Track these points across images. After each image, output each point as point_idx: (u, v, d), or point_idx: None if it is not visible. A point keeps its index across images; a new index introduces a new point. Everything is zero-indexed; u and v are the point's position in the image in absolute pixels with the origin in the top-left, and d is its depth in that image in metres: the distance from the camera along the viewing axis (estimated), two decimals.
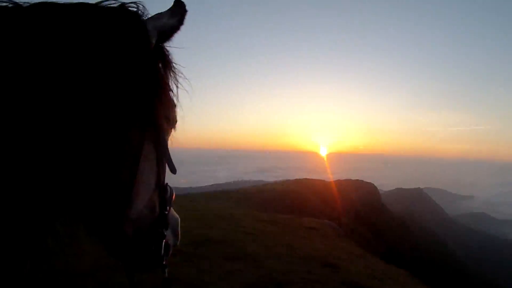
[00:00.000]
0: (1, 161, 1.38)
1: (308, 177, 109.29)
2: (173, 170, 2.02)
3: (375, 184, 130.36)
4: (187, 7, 1.91)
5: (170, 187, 2.19)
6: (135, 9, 1.85)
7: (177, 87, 2.07)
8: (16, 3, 1.58)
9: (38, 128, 1.43)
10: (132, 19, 1.80)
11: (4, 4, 1.56)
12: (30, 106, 1.42)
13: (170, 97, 2.03)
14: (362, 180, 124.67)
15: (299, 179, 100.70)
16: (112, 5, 1.80)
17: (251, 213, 33.25)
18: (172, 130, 2.13)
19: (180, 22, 1.92)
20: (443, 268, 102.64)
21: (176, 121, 2.12)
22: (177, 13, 1.91)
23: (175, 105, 2.08)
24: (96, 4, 1.77)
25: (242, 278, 11.07)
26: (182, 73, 2.06)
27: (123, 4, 1.83)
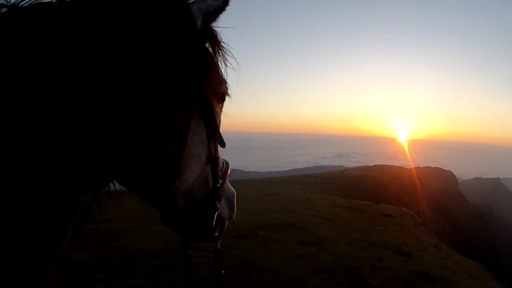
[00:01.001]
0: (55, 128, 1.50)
1: (387, 164, 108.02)
2: (222, 144, 2.09)
3: (454, 173, 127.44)
4: None
5: (226, 161, 2.28)
6: None
7: (225, 65, 2.16)
8: None
9: (91, 98, 1.56)
10: (176, 2, 1.89)
11: None
12: (87, 78, 1.55)
13: (218, 74, 2.10)
14: (441, 168, 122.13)
15: (378, 165, 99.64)
16: None
17: (329, 198, 33.20)
18: (223, 104, 2.21)
19: (226, 2, 2.01)
20: None
21: (225, 97, 2.20)
22: None
23: (224, 82, 2.16)
24: None
25: (313, 262, 11.08)
26: (230, 52, 2.15)
27: None
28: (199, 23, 1.94)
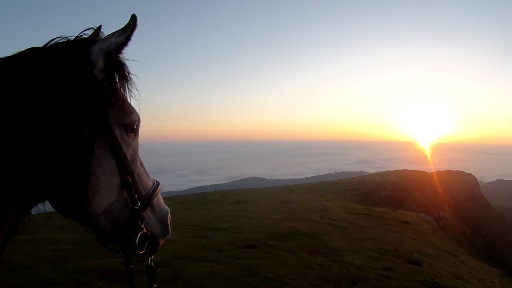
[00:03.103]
0: None
1: (408, 168, 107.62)
2: (128, 171, 2.28)
3: (475, 176, 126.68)
4: (137, 23, 2.22)
5: (156, 182, 2.54)
6: (85, 37, 2.27)
7: (131, 95, 2.38)
8: None
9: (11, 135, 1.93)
10: (77, 50, 2.16)
11: None
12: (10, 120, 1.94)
13: (122, 106, 2.30)
14: (463, 171, 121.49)
15: (399, 170, 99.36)
16: (61, 41, 2.22)
17: (346, 205, 33.09)
18: (138, 133, 2.41)
19: (128, 38, 2.21)
20: None
21: (134, 126, 2.36)
22: (127, 29, 2.20)
23: (131, 112, 2.35)
24: (46, 44, 2.21)
25: (318, 272, 11.01)
26: (135, 83, 2.39)
27: (73, 39, 2.25)
28: (101, 62, 2.18)
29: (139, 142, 2.42)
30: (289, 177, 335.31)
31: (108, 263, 10.52)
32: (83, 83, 2.11)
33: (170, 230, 2.58)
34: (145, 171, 2.45)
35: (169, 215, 2.60)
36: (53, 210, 2.20)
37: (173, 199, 41.54)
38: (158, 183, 2.53)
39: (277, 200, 33.47)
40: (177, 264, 10.72)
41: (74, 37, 2.24)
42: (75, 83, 2.09)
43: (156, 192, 2.49)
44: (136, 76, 2.34)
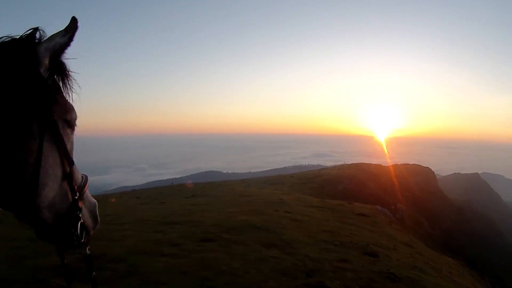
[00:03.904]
0: None
1: (365, 161, 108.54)
2: (71, 163, 2.42)
3: (433, 169, 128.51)
4: (78, 24, 2.33)
5: (85, 176, 2.62)
6: (31, 36, 2.30)
7: (71, 93, 2.49)
8: None
9: None
10: (24, 48, 2.22)
11: None
12: None
13: (64, 104, 2.42)
14: (420, 165, 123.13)
15: (356, 163, 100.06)
16: (7, 40, 2.26)
17: (302, 198, 33.26)
18: (75, 128, 2.53)
19: (71, 39, 2.32)
20: (498, 257, 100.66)
21: (73, 123, 2.49)
22: (70, 31, 2.32)
23: (71, 110, 2.47)
24: None
25: (273, 265, 11.05)
26: (76, 81, 2.50)
27: (19, 37, 2.28)
28: (46, 60, 2.27)
29: (83, 136, 2.51)
30: (246, 170, 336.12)
31: (67, 260, 10.44)
32: (32, 80, 2.18)
33: (99, 222, 2.72)
34: (75, 165, 2.52)
35: (97, 208, 2.71)
36: None
37: (129, 193, 41.29)
38: (87, 177, 2.62)
39: (233, 194, 33.51)
40: (133, 259, 10.66)
41: (19, 36, 2.28)
42: (24, 80, 2.15)
43: (87, 185, 2.59)
44: (76, 73, 2.44)
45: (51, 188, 2.28)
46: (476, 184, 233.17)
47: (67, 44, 2.32)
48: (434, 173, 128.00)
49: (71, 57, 2.40)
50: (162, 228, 15.11)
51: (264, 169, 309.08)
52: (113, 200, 26.16)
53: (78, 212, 2.43)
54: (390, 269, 12.55)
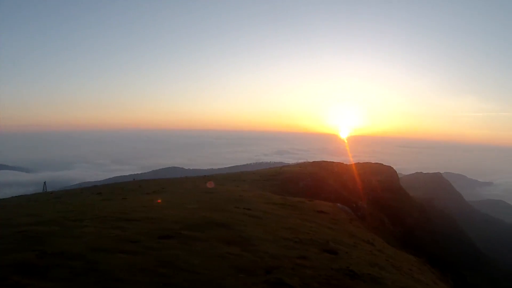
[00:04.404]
0: None
1: (327, 159, 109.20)
2: None
3: (395, 168, 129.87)
4: None
5: None
6: None
7: None
8: None
9: None
10: None
11: None
12: None
13: None
14: (382, 163, 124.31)
15: (318, 161, 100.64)
16: None
17: (263, 195, 33.35)
18: None
19: None
20: (460, 255, 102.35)
21: None
22: None
23: None
24: None
25: (233, 262, 11.08)
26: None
27: None
28: None
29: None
30: (208, 166, 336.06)
31: (24, 257, 10.32)
32: None
33: None
34: None
35: None
36: None
37: (91, 189, 41.02)
38: None
39: (194, 190, 33.55)
40: (91, 256, 10.56)
41: None
42: None
43: None
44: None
45: None
46: (438, 183, 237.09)
47: None
48: (396, 171, 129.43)
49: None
50: (122, 225, 15.01)
51: (226, 166, 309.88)
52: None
53: None
54: (349, 266, 12.61)
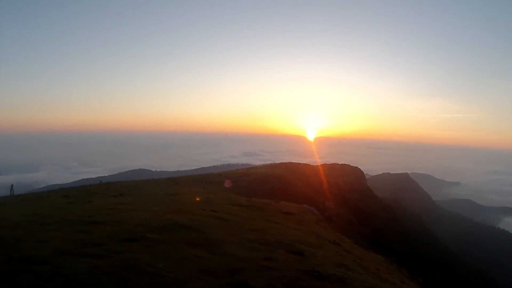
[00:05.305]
0: None
1: (294, 161, 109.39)
2: None
3: (362, 169, 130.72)
4: None
5: None
6: None
7: None
8: None
9: None
10: None
11: None
12: None
13: None
14: (349, 165, 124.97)
15: (285, 162, 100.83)
16: None
17: (229, 197, 33.45)
18: None
19: None
20: (428, 254, 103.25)
21: None
22: None
23: None
24: None
25: (198, 264, 11.11)
26: None
27: None
28: None
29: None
30: (175, 168, 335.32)
31: None
32: None
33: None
34: None
35: None
36: None
37: (57, 192, 40.59)
38: None
39: (160, 192, 33.49)
40: (56, 260, 10.50)
41: None
42: None
43: None
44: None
45: None
46: (405, 183, 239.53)
47: None
48: (363, 172, 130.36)
49: None
50: (87, 228, 14.93)
51: (193, 168, 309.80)
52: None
53: None
54: (315, 267, 12.70)
